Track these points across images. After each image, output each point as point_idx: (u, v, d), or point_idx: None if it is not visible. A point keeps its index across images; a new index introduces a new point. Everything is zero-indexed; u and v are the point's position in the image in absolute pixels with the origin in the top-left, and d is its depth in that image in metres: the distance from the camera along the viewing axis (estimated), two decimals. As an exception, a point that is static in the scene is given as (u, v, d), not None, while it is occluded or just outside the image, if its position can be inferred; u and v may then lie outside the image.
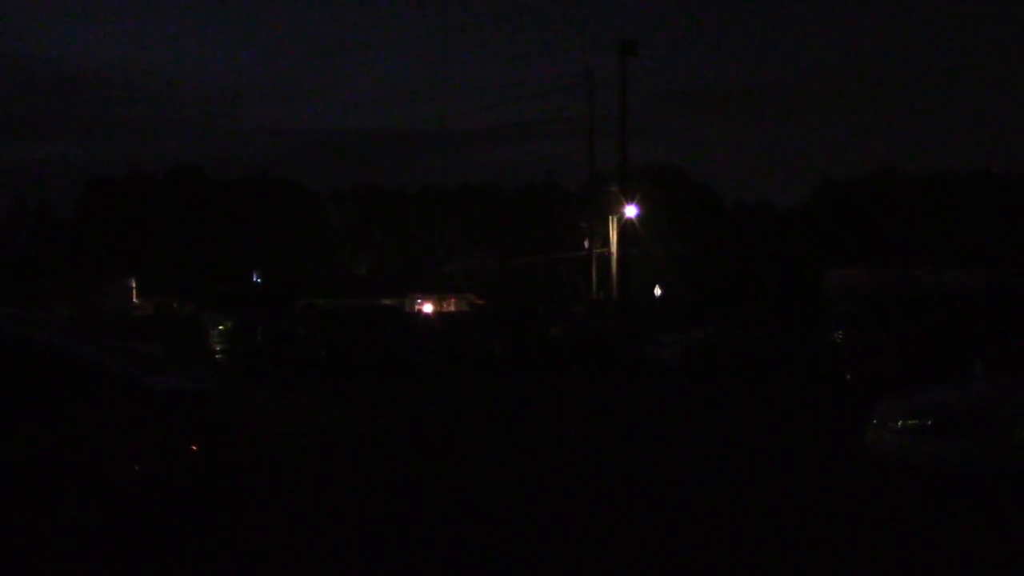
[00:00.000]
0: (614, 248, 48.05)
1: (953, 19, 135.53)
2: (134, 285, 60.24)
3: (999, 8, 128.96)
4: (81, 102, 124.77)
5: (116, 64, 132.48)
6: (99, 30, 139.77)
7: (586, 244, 55.52)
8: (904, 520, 9.36)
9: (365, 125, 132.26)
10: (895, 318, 24.57)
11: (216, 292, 35.53)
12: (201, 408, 10.10)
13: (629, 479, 11.60)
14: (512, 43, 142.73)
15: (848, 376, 22.10)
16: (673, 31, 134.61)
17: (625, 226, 44.91)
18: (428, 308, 60.26)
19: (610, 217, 48.92)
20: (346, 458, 13.17)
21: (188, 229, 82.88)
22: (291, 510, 10.11)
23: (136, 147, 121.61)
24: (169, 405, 9.76)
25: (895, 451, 10.55)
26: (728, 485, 11.11)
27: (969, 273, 54.05)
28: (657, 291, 68.66)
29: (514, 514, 9.77)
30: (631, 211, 44.31)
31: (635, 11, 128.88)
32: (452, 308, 62.56)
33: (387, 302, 52.42)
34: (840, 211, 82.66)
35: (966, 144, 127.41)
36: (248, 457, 12.68)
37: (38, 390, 9.04)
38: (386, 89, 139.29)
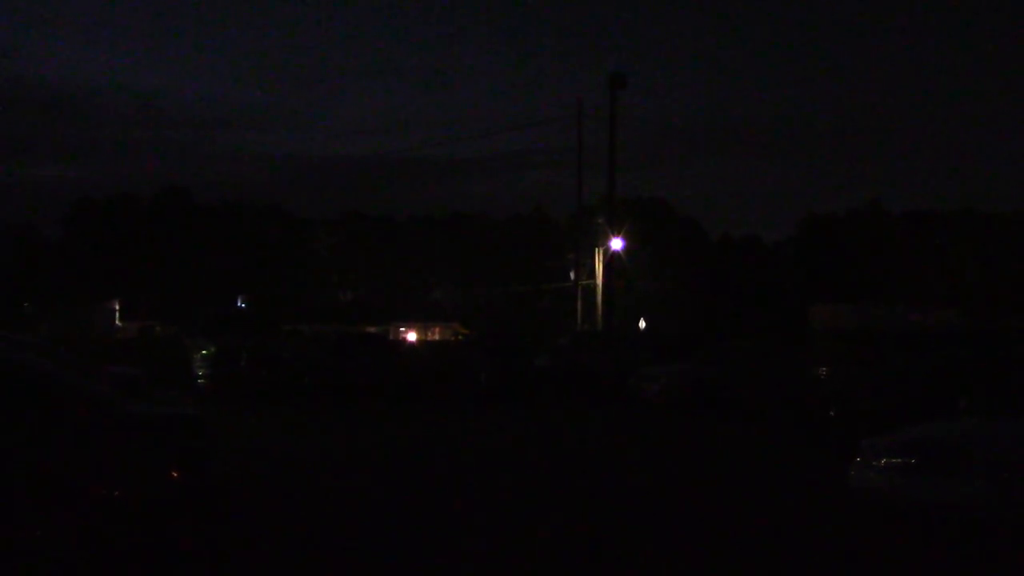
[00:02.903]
0: (600, 280, 48.12)
1: (938, 59, 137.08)
2: (118, 308, 59.88)
3: (983, 49, 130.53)
4: (70, 123, 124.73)
5: (105, 86, 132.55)
6: (88, 52, 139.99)
7: (572, 276, 55.56)
8: (888, 558, 9.32)
9: (355, 152, 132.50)
10: (879, 355, 24.61)
11: (200, 316, 35.39)
12: (182, 434, 10.02)
13: (609, 514, 11.53)
14: (504, 74, 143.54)
15: (832, 413, 22.07)
16: (663, 66, 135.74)
17: (611, 258, 45.00)
18: (412, 337, 60.06)
19: (596, 249, 49.01)
20: (319, 484, 13.06)
21: (174, 252, 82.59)
22: (265, 533, 9.99)
23: (124, 169, 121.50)
24: (150, 431, 9.68)
25: (879, 489, 10.52)
26: (712, 524, 11.05)
27: (953, 311, 54.32)
28: (642, 324, 68.71)
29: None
30: (617, 244, 44.40)
31: (626, 45, 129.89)
32: (437, 337, 62.37)
33: (372, 330, 52.28)
34: (825, 246, 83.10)
35: (949, 182, 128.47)
36: (227, 481, 12.56)
37: (18, 412, 8.94)
38: (377, 116, 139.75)
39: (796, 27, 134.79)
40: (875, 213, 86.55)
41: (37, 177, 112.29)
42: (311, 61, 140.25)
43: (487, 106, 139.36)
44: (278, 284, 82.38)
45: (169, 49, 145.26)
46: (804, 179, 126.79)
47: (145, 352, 32.90)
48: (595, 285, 49.50)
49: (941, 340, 26.27)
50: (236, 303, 56.77)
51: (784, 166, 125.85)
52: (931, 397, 18.27)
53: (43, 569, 8.06)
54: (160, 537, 9.10)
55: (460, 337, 52.69)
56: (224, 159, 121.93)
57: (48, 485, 8.47)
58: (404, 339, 58.45)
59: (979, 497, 9.70)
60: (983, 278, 76.47)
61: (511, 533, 10.36)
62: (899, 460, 10.30)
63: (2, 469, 8.47)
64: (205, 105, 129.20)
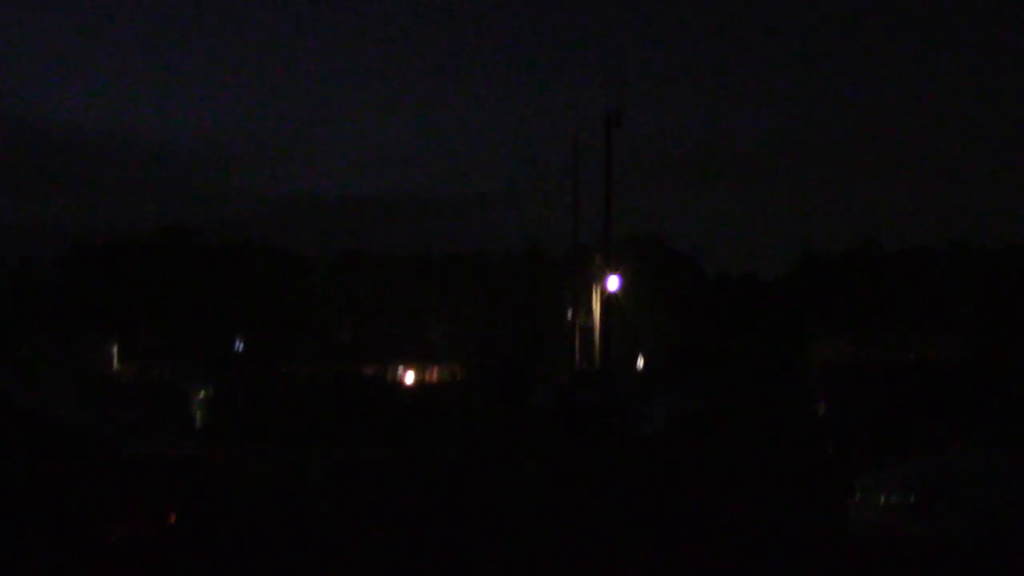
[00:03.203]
0: (597, 318, 48.18)
1: (934, 95, 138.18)
2: (116, 349, 59.77)
3: (978, 85, 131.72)
4: (68, 162, 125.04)
5: (103, 125, 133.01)
6: (86, 91, 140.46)
7: (569, 314, 55.63)
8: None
9: (353, 190, 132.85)
10: (877, 392, 24.66)
11: (199, 357, 35.42)
12: (180, 475, 10.03)
13: (611, 551, 11.50)
14: (501, 111, 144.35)
15: (830, 449, 22.09)
16: (660, 102, 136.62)
17: (608, 297, 45.17)
18: (411, 377, 59.98)
19: (593, 287, 49.12)
20: (315, 523, 13.02)
21: (172, 293, 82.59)
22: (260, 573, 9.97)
23: (122, 209, 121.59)
24: (149, 472, 9.69)
25: (877, 526, 10.53)
26: (714, 561, 11.03)
27: (949, 347, 54.38)
28: (640, 361, 68.65)
29: None
30: (614, 282, 44.59)
31: (622, 82, 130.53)
32: (435, 377, 62.28)
33: (369, 370, 52.21)
34: (821, 283, 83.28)
35: (944, 217, 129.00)
36: (225, 521, 12.54)
37: (18, 452, 8.97)
38: (373, 154, 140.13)
39: (791, 63, 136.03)
40: (871, 249, 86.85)
41: (35, 217, 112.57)
42: (309, 99, 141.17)
43: (483, 144, 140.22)
44: (276, 324, 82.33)
45: (167, 88, 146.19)
46: (800, 215, 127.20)
47: (144, 393, 32.90)
48: (592, 323, 49.54)
49: (938, 375, 26.35)
50: (234, 344, 56.71)
51: (780, 202, 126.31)
52: (928, 433, 18.31)
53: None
54: (157, 569, 9.09)
55: (457, 377, 52.65)
56: (221, 199, 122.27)
57: (48, 525, 8.48)
58: (402, 380, 58.37)
59: (977, 534, 9.72)
60: (978, 313, 76.60)
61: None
62: (897, 498, 10.32)
63: (3, 509, 8.49)
64: (203, 145, 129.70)
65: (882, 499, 10.46)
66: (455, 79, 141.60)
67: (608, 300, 43.63)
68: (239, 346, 56.15)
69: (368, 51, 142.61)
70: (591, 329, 49.86)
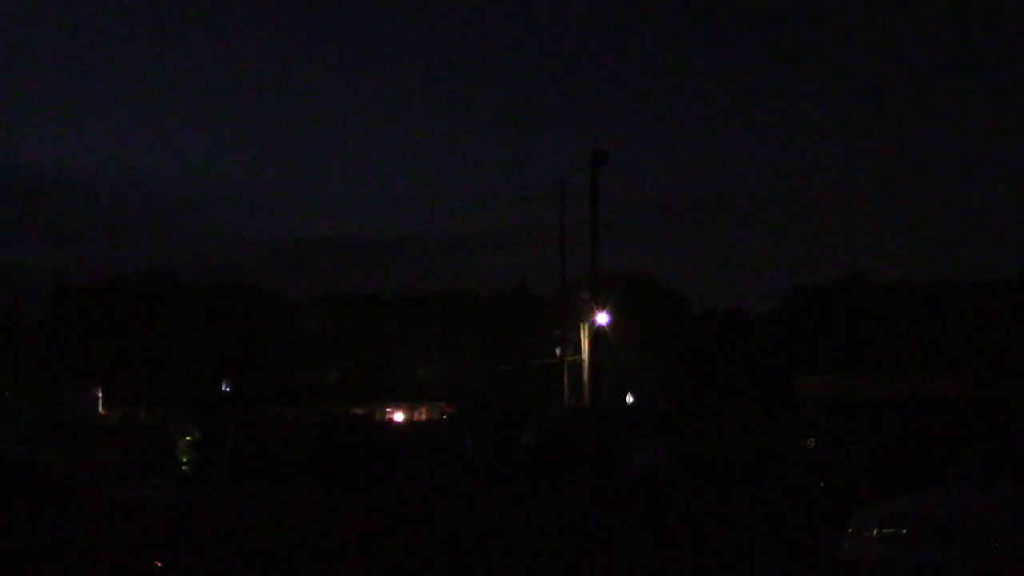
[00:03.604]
0: (586, 355, 48.14)
1: (918, 129, 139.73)
2: (100, 394, 59.43)
3: (966, 122, 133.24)
4: (50, 207, 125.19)
5: (86, 169, 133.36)
6: (69, 136, 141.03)
7: (558, 352, 55.59)
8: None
9: (338, 232, 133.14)
10: (867, 426, 24.61)
11: (185, 400, 35.21)
12: (166, 520, 9.92)
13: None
14: (487, 151, 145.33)
15: (821, 484, 22.00)
16: (646, 141, 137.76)
17: (597, 334, 45.15)
18: (400, 417, 59.72)
19: (581, 324, 49.16)
20: (303, 567, 12.89)
21: (158, 336, 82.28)
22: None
23: (107, 253, 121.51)
24: (134, 518, 9.58)
25: (870, 560, 10.46)
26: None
27: (938, 379, 54.48)
28: (629, 398, 68.59)
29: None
30: (602, 319, 44.57)
31: (609, 121, 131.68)
32: (424, 416, 62.05)
33: (358, 411, 51.95)
34: (809, 317, 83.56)
35: (931, 253, 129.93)
36: (212, 566, 12.38)
37: (7, 499, 8.86)
38: (359, 195, 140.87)
39: (777, 101, 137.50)
40: (858, 283, 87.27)
41: (17, 261, 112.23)
42: (294, 142, 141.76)
43: (470, 183, 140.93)
44: (263, 366, 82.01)
45: (151, 132, 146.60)
46: (787, 251, 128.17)
47: (129, 438, 32.62)
48: (581, 360, 49.50)
49: (927, 408, 26.33)
50: (221, 386, 56.47)
51: (766, 239, 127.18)
52: (919, 466, 18.26)
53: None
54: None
55: (445, 417, 52.47)
56: (207, 241, 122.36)
57: (37, 572, 8.36)
58: (391, 419, 58.14)
59: (972, 568, 9.66)
60: (966, 346, 76.92)
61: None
62: (890, 531, 10.28)
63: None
64: (188, 187, 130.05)
65: (875, 532, 10.41)
66: (445, 121, 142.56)
67: (596, 337, 43.77)
68: (226, 388, 55.90)
69: (357, 93, 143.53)
70: (580, 366, 49.84)
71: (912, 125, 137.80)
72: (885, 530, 10.31)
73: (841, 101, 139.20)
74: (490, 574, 12.78)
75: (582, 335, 49.45)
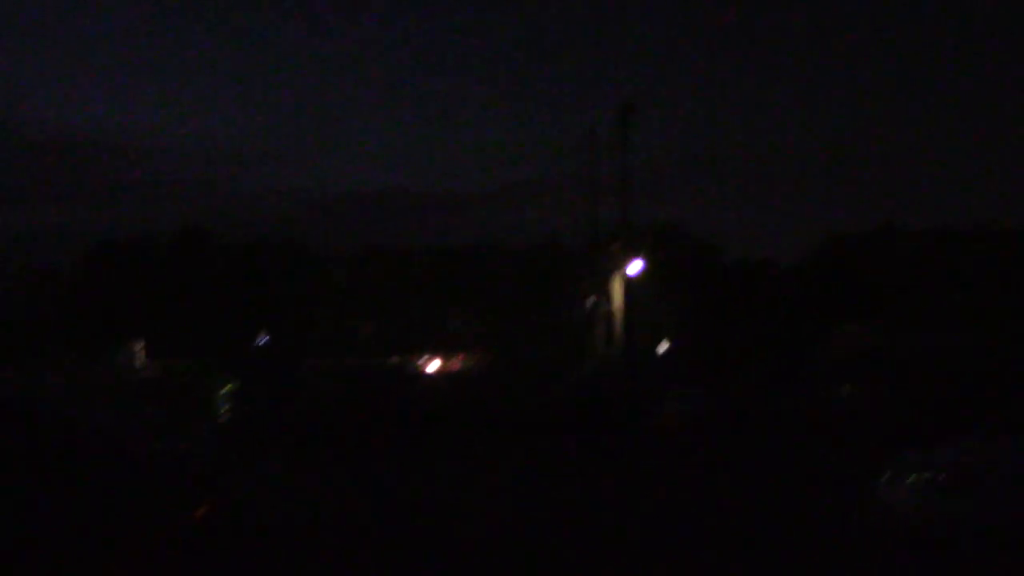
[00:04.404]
0: (618, 305, 48.06)
1: (953, 76, 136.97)
2: (141, 347, 60.18)
3: (998, 64, 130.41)
4: (86, 165, 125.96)
5: (121, 127, 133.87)
6: (103, 93, 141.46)
7: (590, 302, 55.57)
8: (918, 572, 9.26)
9: (370, 186, 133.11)
10: (902, 374, 24.51)
11: (223, 353, 35.59)
12: (204, 472, 10.07)
13: (643, 546, 11.49)
14: (518, 103, 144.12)
15: (857, 431, 21.99)
16: (676, 92, 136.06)
17: (629, 284, 45.06)
18: (436, 365, 60.12)
19: (613, 274, 49.02)
20: (336, 526, 13.01)
21: (195, 291, 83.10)
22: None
23: (142, 210, 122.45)
24: (174, 469, 9.72)
25: (907, 506, 10.47)
26: (748, 545, 11.01)
27: (973, 329, 53.93)
28: (662, 347, 68.46)
29: None
30: (635, 267, 44.44)
31: (639, 72, 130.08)
32: (458, 366, 62.43)
33: (394, 360, 52.35)
34: (842, 267, 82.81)
35: (967, 200, 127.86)
36: (249, 519, 12.56)
37: (39, 452, 9.02)
38: (391, 150, 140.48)
39: (809, 49, 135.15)
40: (892, 232, 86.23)
41: (56, 220, 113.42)
42: (325, 95, 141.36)
43: (500, 137, 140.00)
44: (299, 319, 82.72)
45: (183, 88, 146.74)
46: (819, 202, 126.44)
47: (169, 391, 33.08)
48: (613, 311, 49.43)
49: (963, 358, 26.16)
50: (258, 339, 57.03)
51: (801, 188, 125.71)
52: (956, 415, 18.17)
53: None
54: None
55: (483, 363, 52.74)
56: (242, 197, 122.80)
57: (68, 527, 8.53)
58: (423, 370, 58.55)
59: (1004, 512, 9.65)
60: (1003, 296, 75.93)
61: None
62: (927, 478, 10.26)
63: (27, 511, 8.54)
64: (222, 143, 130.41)
65: (912, 479, 10.39)
66: (472, 71, 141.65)
67: (628, 286, 43.51)
68: (263, 341, 56.45)
69: (390, 49, 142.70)
70: (611, 316, 49.78)
71: (950, 72, 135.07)
72: (923, 476, 10.30)
73: (875, 49, 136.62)
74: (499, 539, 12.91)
75: (614, 285, 49.32)
